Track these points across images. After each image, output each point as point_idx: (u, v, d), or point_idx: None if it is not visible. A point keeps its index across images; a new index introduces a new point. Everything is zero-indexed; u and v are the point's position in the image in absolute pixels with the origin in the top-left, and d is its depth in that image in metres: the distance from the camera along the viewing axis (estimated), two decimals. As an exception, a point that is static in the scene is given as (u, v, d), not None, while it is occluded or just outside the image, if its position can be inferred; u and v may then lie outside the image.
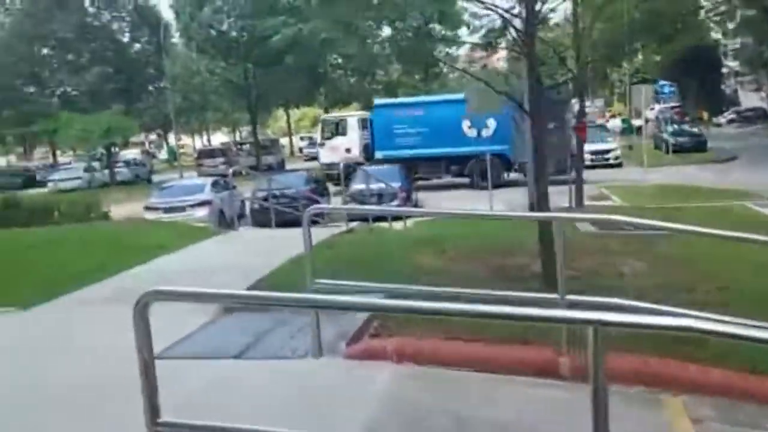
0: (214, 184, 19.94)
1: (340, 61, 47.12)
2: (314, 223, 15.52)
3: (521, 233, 9.30)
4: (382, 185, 16.07)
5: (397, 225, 13.49)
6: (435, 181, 24.18)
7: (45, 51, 38.92)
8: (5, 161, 74.38)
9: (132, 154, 50.10)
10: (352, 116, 26.94)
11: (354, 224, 11.38)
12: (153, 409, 2.48)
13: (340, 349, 4.67)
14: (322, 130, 27.24)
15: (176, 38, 39.00)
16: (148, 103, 36.93)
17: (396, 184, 18.12)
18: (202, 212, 18.33)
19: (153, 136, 72.19)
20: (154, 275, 7.88)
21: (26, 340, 5.71)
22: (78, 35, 34.87)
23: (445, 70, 55.35)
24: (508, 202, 17.52)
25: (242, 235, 11.36)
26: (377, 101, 26.75)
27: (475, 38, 8.36)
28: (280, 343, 5.19)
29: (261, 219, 17.19)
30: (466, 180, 23.39)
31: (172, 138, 60.23)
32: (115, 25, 37.72)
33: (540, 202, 6.11)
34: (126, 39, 38.21)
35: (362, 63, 35.95)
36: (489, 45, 7.49)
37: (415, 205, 19.21)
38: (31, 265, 8.53)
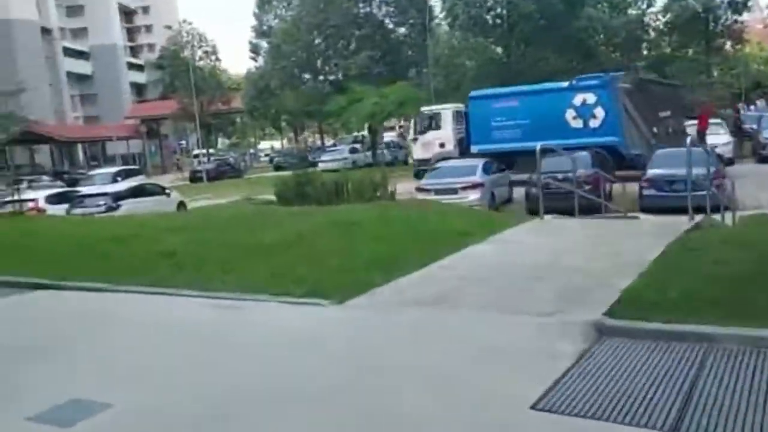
0: (485, 166, 18.63)
1: (602, 36, 43.00)
2: (591, 212, 13.08)
3: None
4: (702, 170, 13.05)
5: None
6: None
7: (317, 40, 41.84)
8: (280, 144, 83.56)
9: (387, 137, 51.92)
10: (446, 109, 24.41)
11: (699, 217, 8.87)
12: None
13: None
14: (416, 124, 24.98)
15: (439, 19, 39.02)
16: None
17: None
18: (474, 195, 17.13)
19: (402, 121, 74.53)
20: (474, 271, 6.51)
21: (354, 350, 4.60)
22: (348, 22, 36.70)
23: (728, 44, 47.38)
24: None
25: (547, 224, 9.61)
26: (473, 93, 23.88)
27: None
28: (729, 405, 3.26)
29: (538, 205, 15.45)
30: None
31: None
32: (383, 10, 39.00)
33: None
34: (391, 24, 39.26)
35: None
36: None
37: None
38: (334, 246, 7.80)
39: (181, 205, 21.53)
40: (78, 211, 18.13)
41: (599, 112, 18.90)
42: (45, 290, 7.56)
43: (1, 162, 42.22)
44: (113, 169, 32.27)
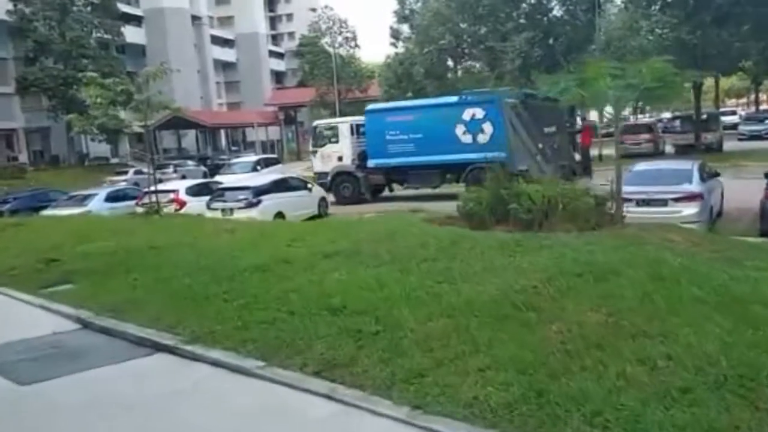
0: (701, 170, 14.48)
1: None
2: None
3: None
4: None
5: None
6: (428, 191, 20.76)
7: (463, 24, 38.69)
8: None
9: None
10: (344, 122, 24.52)
11: None
12: None
13: None
14: (314, 138, 24.91)
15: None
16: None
17: None
18: (690, 209, 13.14)
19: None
20: None
21: None
22: (504, 1, 33.01)
23: None
24: None
25: None
26: (369, 106, 24.53)
27: None
28: None
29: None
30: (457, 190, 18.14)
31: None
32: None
33: None
34: (554, 2, 35.03)
35: None
36: None
37: None
38: (604, 323, 4.72)
39: (323, 201, 19.52)
40: (217, 205, 16.66)
41: (487, 127, 19.06)
42: (168, 355, 5.23)
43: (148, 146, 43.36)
44: (253, 158, 31.20)
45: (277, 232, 9.81)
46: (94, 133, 35.37)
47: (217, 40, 72.64)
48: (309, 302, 5.72)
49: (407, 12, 51.77)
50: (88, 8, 45.12)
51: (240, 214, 15.60)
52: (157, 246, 8.98)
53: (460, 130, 19.62)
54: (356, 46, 53.90)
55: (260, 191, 17.00)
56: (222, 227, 10.60)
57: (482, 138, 19.11)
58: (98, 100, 11.96)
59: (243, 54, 76.51)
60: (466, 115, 19.57)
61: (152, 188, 16.24)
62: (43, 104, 46.06)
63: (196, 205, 16.84)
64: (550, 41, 34.96)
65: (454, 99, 21.14)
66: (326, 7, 52.17)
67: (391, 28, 54.67)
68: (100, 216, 14.99)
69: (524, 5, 34.49)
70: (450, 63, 42.68)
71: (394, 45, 54.50)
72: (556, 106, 18.36)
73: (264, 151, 46.37)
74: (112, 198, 18.90)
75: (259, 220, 15.22)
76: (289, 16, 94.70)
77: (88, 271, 7.88)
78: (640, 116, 58.82)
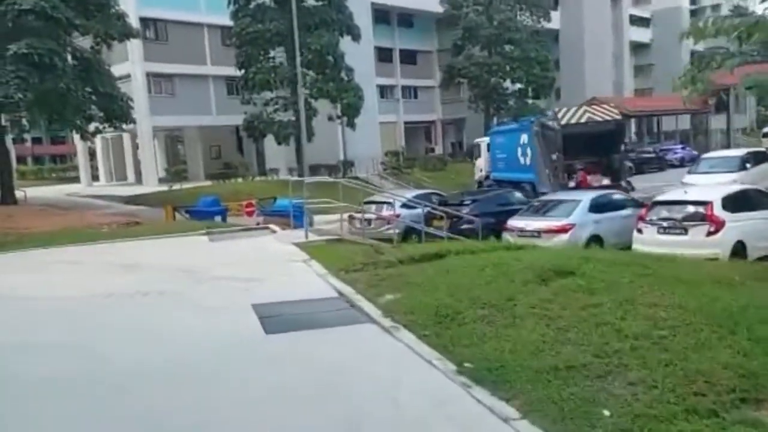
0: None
1: None
2: None
3: None
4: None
5: None
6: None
7: None
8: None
9: None
10: (483, 140, 29.35)
11: None
12: None
13: None
14: (474, 152, 31.37)
15: None
16: None
17: None
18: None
19: None
20: None
21: None
22: None
23: None
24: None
25: None
26: (492, 129, 30.76)
27: None
28: None
29: None
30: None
31: None
32: None
33: None
34: None
35: None
36: None
37: None
38: None
39: None
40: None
41: (529, 151, 21.30)
42: None
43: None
44: (740, 152, 21.16)
45: None
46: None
47: (633, 20, 62.76)
48: None
49: None
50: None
51: None
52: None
53: (519, 152, 21.98)
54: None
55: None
56: None
57: (527, 161, 21.35)
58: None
59: (659, 33, 64.44)
60: (522, 139, 21.79)
61: (675, 197, 11.75)
62: (461, 95, 45.37)
63: (735, 226, 10.53)
64: None
65: (516, 125, 24.52)
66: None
67: None
68: (612, 252, 9.70)
69: None
70: None
71: None
72: (557, 135, 19.62)
73: (682, 142, 43.41)
74: (595, 207, 13.23)
75: None
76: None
77: None
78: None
